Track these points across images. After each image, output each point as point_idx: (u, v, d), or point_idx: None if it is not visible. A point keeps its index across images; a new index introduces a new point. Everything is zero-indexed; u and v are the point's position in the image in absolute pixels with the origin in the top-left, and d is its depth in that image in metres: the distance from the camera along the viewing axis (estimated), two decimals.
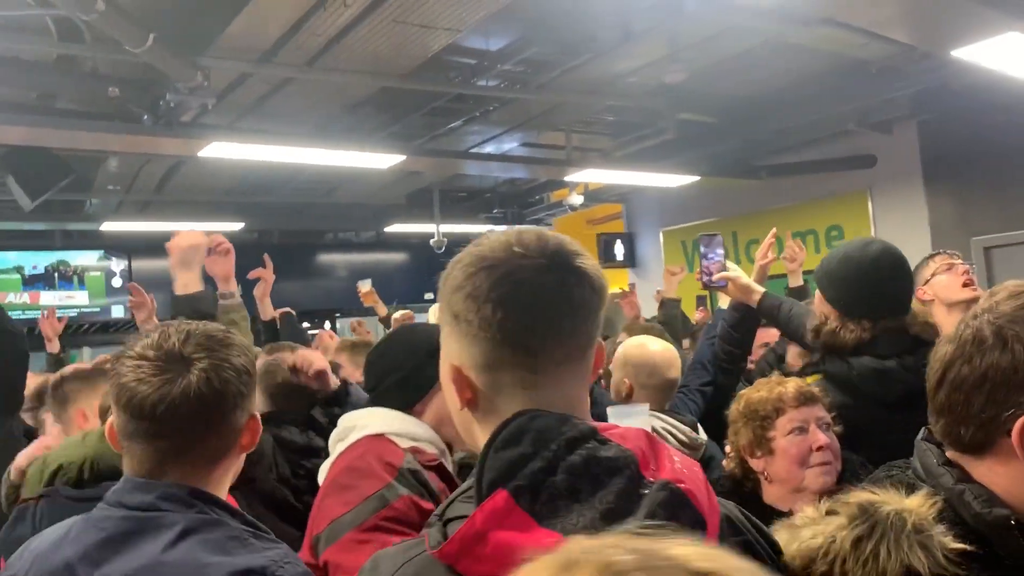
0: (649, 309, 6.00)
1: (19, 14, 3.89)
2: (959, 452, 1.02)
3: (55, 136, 4.92)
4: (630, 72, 5.31)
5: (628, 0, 4.35)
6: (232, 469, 1.31)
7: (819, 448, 1.84)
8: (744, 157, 7.23)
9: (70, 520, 1.25)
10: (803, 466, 1.85)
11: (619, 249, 9.33)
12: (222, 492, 1.28)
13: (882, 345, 2.07)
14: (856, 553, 0.95)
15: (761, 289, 2.60)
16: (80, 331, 9.81)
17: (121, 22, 3.65)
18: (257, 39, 4.35)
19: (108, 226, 8.25)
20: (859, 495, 1.01)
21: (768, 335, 3.37)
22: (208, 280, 2.45)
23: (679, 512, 0.79)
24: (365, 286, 5.65)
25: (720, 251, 2.68)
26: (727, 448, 2.04)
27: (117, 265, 9.88)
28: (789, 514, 1.09)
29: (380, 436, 1.68)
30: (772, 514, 1.09)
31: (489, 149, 7.09)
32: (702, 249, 2.66)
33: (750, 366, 3.30)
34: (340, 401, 2.39)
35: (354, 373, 3.27)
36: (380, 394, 1.81)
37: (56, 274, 9.68)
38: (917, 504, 0.97)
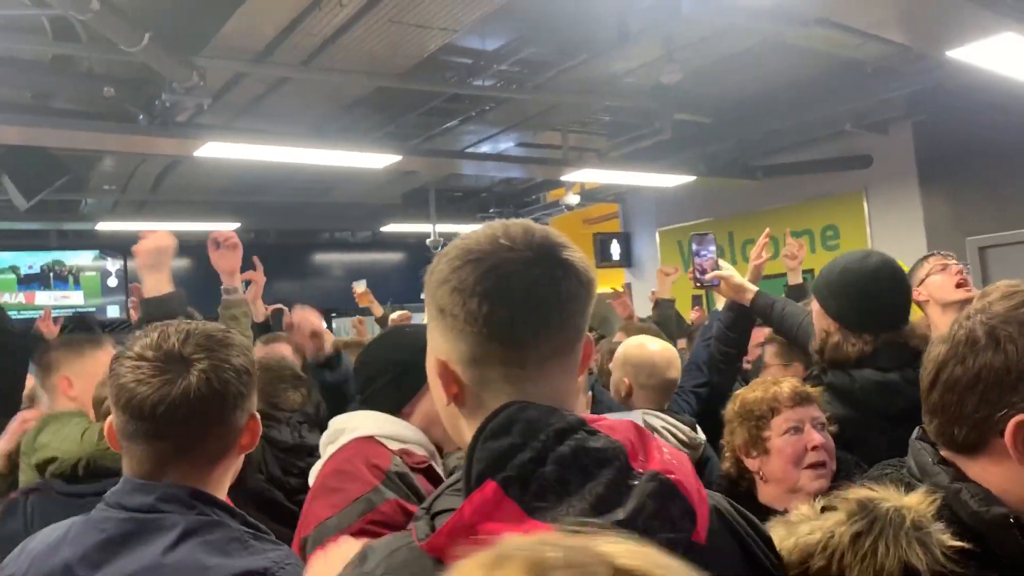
0: (645, 309, 6.00)
1: (14, 13, 3.89)
2: (953, 452, 1.03)
3: (50, 136, 4.90)
4: (626, 72, 5.32)
5: (625, 0, 4.36)
6: (232, 469, 1.30)
7: (814, 448, 1.85)
8: (740, 157, 7.24)
9: (68, 521, 1.24)
10: (798, 466, 1.86)
11: (615, 249, 9.34)
12: (222, 492, 1.27)
13: (884, 358, 2.06)
14: (855, 548, 0.95)
15: (754, 288, 2.61)
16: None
17: (117, 22, 3.65)
18: (253, 39, 4.35)
19: (103, 226, 8.22)
20: (858, 491, 1.01)
21: (764, 335, 3.38)
22: (211, 275, 2.46)
23: (669, 503, 0.78)
24: (360, 287, 5.64)
25: (712, 248, 2.69)
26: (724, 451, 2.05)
27: (112, 265, 9.86)
28: (784, 513, 1.09)
29: (369, 439, 1.68)
30: (767, 513, 1.09)
31: (485, 149, 7.08)
32: (694, 247, 2.67)
33: (746, 366, 3.31)
34: (332, 365, 2.41)
35: None
36: (369, 397, 1.81)
37: (51, 274, 9.65)
38: (916, 501, 0.97)
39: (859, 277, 2.12)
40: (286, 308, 4.41)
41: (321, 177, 7.81)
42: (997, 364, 0.96)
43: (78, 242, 9.70)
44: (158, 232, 2.29)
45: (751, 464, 1.93)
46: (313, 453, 2.02)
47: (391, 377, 1.77)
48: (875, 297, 2.10)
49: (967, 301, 2.24)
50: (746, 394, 1.99)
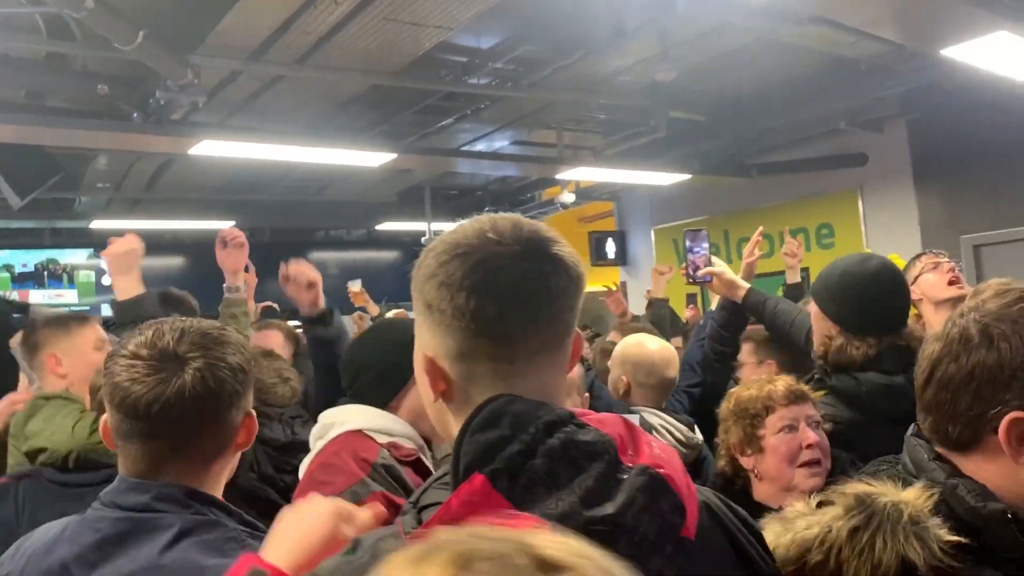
0: (641, 308, 6.00)
1: (8, 11, 3.87)
2: (947, 449, 1.03)
3: (44, 134, 4.89)
4: (621, 70, 5.33)
5: None
6: (228, 468, 1.30)
7: (808, 446, 1.86)
8: (735, 155, 7.26)
9: (64, 520, 1.24)
10: (793, 464, 1.86)
11: (610, 247, 9.35)
12: (218, 491, 1.27)
13: (887, 361, 2.06)
14: (852, 543, 0.96)
15: (746, 285, 2.61)
16: None
17: (111, 19, 3.64)
18: (248, 37, 4.34)
19: (98, 224, 8.21)
20: (855, 486, 1.01)
21: None
22: (205, 273, 2.47)
23: (659, 497, 0.78)
24: (355, 286, 5.63)
25: (705, 245, 2.70)
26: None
27: (107, 263, 9.84)
28: (779, 511, 1.09)
29: (358, 432, 1.69)
30: (762, 511, 1.09)
31: (480, 147, 7.09)
32: (687, 244, 2.68)
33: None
34: (326, 320, 2.42)
35: None
36: (357, 391, 1.82)
37: (46, 272, 9.64)
38: (914, 496, 0.98)
39: (859, 280, 2.12)
40: (276, 306, 4.42)
41: (316, 175, 7.81)
42: (990, 362, 0.97)
43: (72, 240, 9.68)
44: (126, 235, 2.31)
45: (746, 462, 1.94)
46: (306, 449, 2.03)
47: (379, 372, 1.77)
48: (876, 300, 2.10)
49: (960, 299, 2.25)
50: (741, 392, 1.99)
